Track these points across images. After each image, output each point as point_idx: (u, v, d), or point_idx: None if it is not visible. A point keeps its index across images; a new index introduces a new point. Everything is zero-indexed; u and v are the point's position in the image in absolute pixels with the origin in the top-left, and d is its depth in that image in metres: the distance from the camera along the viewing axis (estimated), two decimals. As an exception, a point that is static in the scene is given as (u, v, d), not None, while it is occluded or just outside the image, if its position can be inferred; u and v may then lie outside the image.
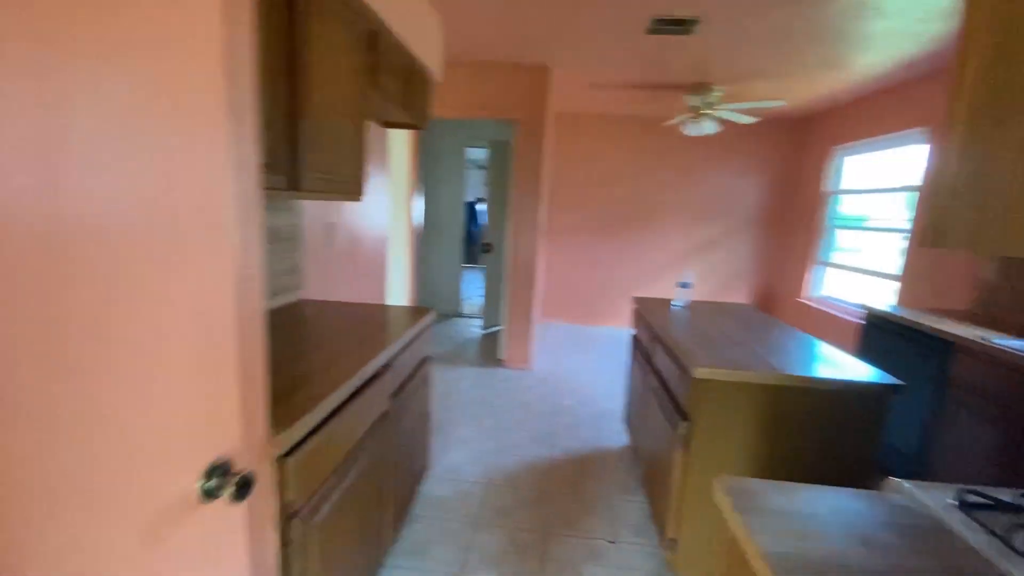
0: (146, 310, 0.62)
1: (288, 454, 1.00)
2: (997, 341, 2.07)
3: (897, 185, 3.92)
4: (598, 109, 5.20)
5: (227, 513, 0.79)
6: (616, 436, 3.01)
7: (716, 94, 3.96)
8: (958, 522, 0.78)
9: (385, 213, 3.24)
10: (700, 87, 3.92)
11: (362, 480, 1.43)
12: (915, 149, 3.72)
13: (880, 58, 3.18)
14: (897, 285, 3.65)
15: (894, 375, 2.59)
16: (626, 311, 5.73)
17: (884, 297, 3.92)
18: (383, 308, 2.17)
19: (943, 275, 3.18)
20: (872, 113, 4.04)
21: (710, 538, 1.74)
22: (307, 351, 1.48)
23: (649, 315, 2.43)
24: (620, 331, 5.61)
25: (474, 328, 5.45)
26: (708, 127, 4.05)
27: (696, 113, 4.05)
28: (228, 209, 0.74)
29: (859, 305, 3.50)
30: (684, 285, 2.62)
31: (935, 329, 2.33)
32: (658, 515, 1.98)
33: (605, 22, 2.85)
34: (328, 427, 1.15)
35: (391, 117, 2.59)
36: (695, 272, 5.56)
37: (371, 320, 1.93)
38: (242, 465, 0.81)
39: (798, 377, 1.61)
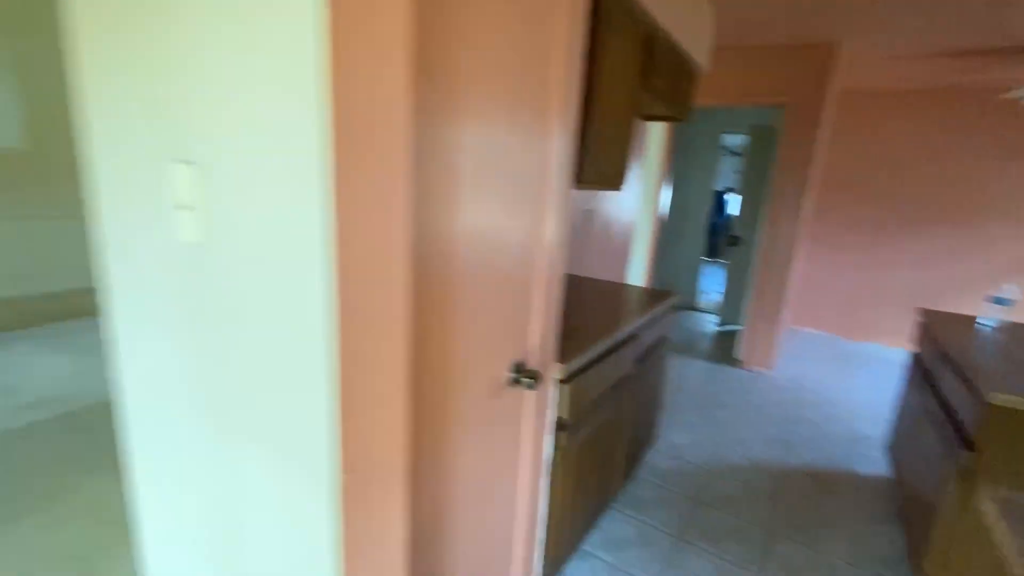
0: (505, 270, 0.99)
1: (565, 381, 1.34)
2: None
3: None
4: (893, 84, 4.33)
5: (524, 395, 1.16)
6: (870, 463, 2.64)
7: (1101, 51, 2.91)
8: None
9: (635, 201, 3.46)
10: (1071, 44, 2.93)
11: (606, 424, 1.73)
12: None
13: None
14: None
15: None
16: (902, 327, 4.71)
17: None
18: (630, 287, 2.42)
19: None
20: None
21: (988, 594, 1.48)
22: (573, 311, 1.83)
23: (941, 331, 2.07)
24: (889, 351, 4.66)
25: (709, 323, 5.29)
26: (1079, 97, 3.00)
27: (1059, 79, 3.05)
28: (552, 196, 1.07)
29: None
30: (1001, 301, 2.13)
31: None
32: (915, 550, 1.75)
33: (920, -16, 2.43)
34: (592, 369, 1.46)
35: (655, 112, 2.77)
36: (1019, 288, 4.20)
37: (620, 295, 2.20)
38: (534, 367, 1.16)
39: None
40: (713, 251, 8.54)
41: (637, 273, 4.31)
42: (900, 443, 2.33)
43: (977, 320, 2.17)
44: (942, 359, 1.94)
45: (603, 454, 1.77)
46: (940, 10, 2.70)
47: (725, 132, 5.40)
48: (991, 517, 0.82)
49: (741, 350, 4.07)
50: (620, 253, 3.38)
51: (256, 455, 0.75)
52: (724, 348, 4.48)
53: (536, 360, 1.16)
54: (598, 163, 1.87)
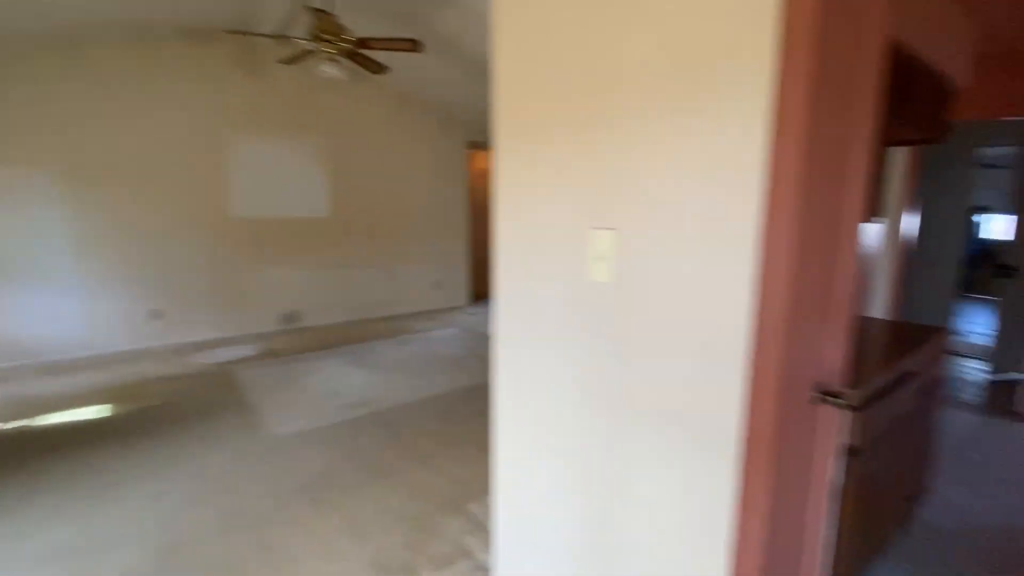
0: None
1: (857, 408, 1.41)
2: None
3: None
4: None
5: (819, 416, 1.26)
6: None
7: None
8: None
9: (877, 230, 3.21)
10: None
11: (889, 459, 1.69)
12: None
13: None
14: None
15: None
16: None
17: None
18: (887, 322, 2.29)
19: None
20: None
21: None
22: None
23: None
24: None
25: (974, 370, 4.41)
26: None
27: None
28: (850, 228, 1.21)
29: None
30: None
31: None
32: None
33: None
34: (882, 400, 1.49)
35: (903, 137, 2.61)
36: None
37: (888, 330, 2.11)
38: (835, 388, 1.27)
39: None
40: (969, 284, 7.05)
41: (879, 310, 3.89)
42: None
43: None
44: None
45: (884, 491, 1.72)
46: None
47: (983, 145, 4.60)
48: None
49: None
50: (865, 288, 3.14)
51: (653, 437, 1.04)
52: (1000, 400, 3.70)
53: (835, 383, 1.27)
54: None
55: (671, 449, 1.00)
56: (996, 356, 4.17)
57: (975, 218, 7.83)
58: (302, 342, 4.94)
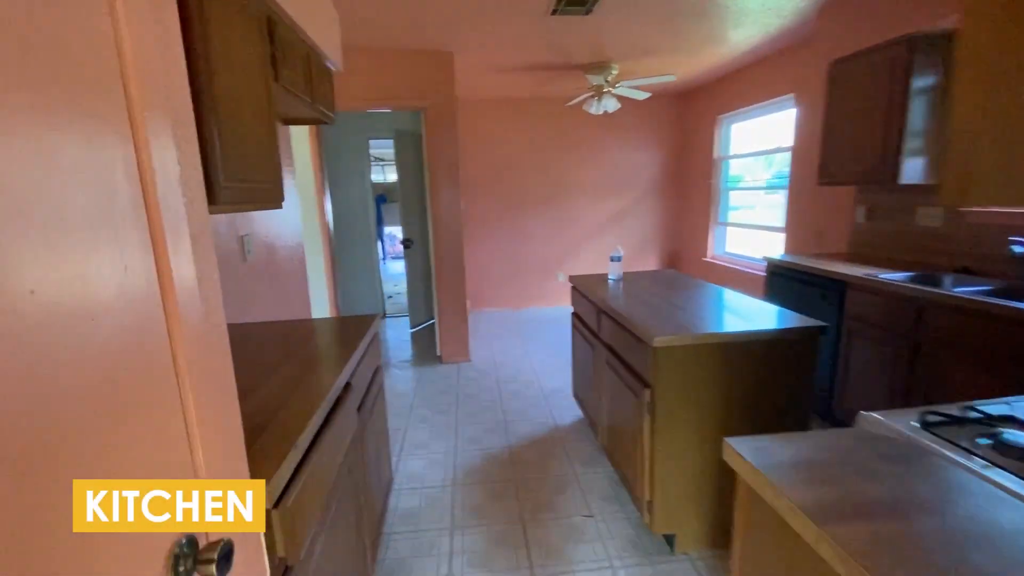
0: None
1: (276, 506, 0.88)
2: (883, 276, 2.41)
3: (770, 147, 4.38)
4: (500, 93, 5.18)
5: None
6: (567, 412, 3.09)
7: (613, 72, 4.11)
8: (928, 440, 0.89)
9: (298, 217, 2.98)
10: (599, 66, 4.04)
11: (343, 509, 1.32)
12: (786, 114, 4.17)
13: (752, 32, 3.49)
14: (783, 236, 4.10)
15: (800, 316, 2.91)
16: (553, 290, 5.86)
17: (776, 249, 4.39)
18: (323, 322, 2.01)
19: (821, 223, 3.61)
20: (749, 83, 4.44)
21: (682, 494, 1.85)
22: (256, 383, 1.32)
23: (589, 292, 2.49)
24: (549, 310, 5.73)
25: (403, 327, 5.26)
26: (610, 104, 4.20)
27: (598, 92, 4.18)
28: (174, 223, 0.61)
29: (760, 258, 3.88)
30: (616, 258, 2.72)
31: (832, 272, 2.64)
32: (629, 481, 2.06)
33: (510, 3, 2.81)
34: (309, 464, 1.04)
35: (296, 112, 2.36)
36: (611, 241, 5.83)
37: (313, 337, 1.77)
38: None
39: (743, 333, 1.75)
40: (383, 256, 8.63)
41: (320, 293, 3.82)
42: (584, 389, 2.76)
43: (608, 277, 2.73)
44: (600, 313, 2.34)
45: (347, 547, 1.37)
46: (523, 28, 3.23)
47: (373, 138, 5.38)
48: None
49: (440, 346, 4.17)
50: (295, 279, 2.85)
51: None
52: (423, 348, 4.52)
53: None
54: (239, 174, 1.38)
55: None
56: (411, 311, 5.08)
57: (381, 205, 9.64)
58: None
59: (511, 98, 5.37)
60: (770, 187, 4.72)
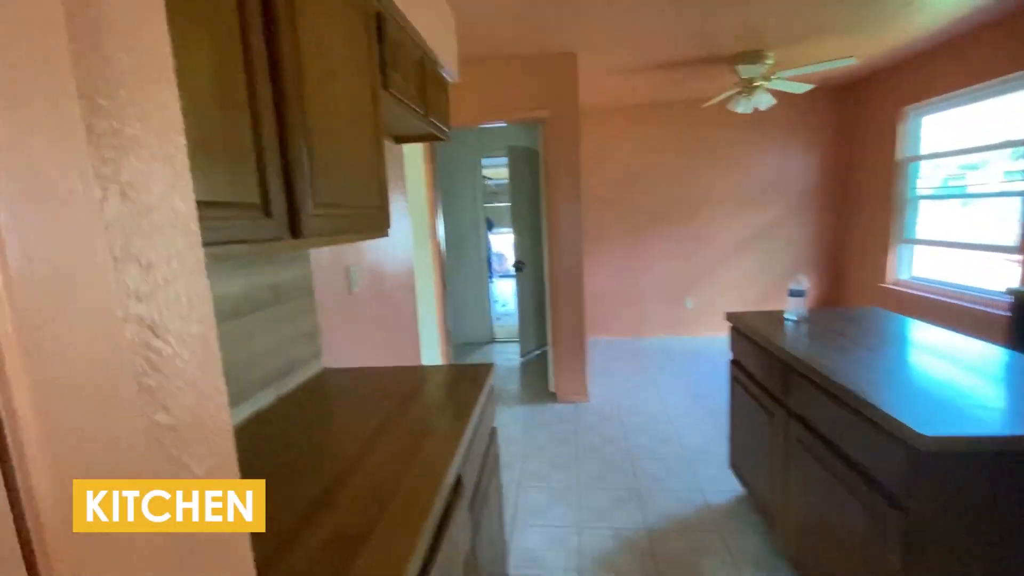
0: None
1: None
2: None
3: (999, 141, 3.32)
4: (619, 100, 4.69)
5: None
6: (720, 485, 2.43)
7: (768, 62, 3.42)
8: None
9: (409, 243, 2.74)
10: (751, 55, 3.38)
11: None
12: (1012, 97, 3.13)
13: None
14: (1021, 259, 3.04)
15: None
16: (681, 318, 5.15)
17: (1000, 275, 3.30)
18: (432, 371, 1.66)
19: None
20: (953, 61, 3.45)
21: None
22: (353, 465, 0.97)
23: (762, 338, 1.88)
24: (675, 341, 5.03)
25: (511, 355, 4.91)
26: (763, 100, 3.50)
27: (746, 87, 3.51)
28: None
29: (991, 290, 2.91)
30: (797, 292, 2.07)
31: None
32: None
33: (650, -16, 2.34)
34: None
35: (404, 127, 2.10)
36: (753, 263, 4.98)
37: (421, 393, 1.42)
38: None
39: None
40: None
41: (429, 319, 3.58)
42: (750, 462, 2.12)
43: (785, 316, 2.09)
44: (786, 371, 1.72)
45: None
46: (659, 17, 2.73)
47: (486, 156, 5.19)
48: None
49: (554, 382, 3.72)
50: (404, 310, 2.60)
51: None
52: (532, 382, 4.10)
53: None
54: (334, 198, 1.06)
55: None
56: (521, 338, 4.70)
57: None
58: None
59: (631, 105, 4.85)
60: (983, 195, 3.62)
